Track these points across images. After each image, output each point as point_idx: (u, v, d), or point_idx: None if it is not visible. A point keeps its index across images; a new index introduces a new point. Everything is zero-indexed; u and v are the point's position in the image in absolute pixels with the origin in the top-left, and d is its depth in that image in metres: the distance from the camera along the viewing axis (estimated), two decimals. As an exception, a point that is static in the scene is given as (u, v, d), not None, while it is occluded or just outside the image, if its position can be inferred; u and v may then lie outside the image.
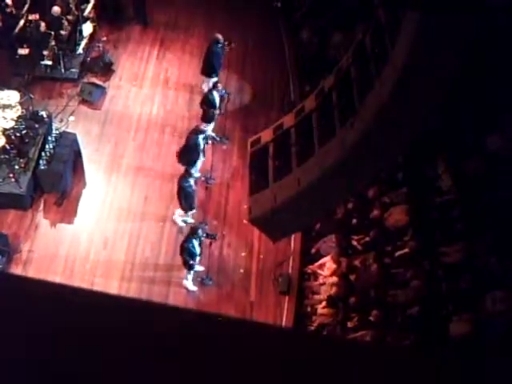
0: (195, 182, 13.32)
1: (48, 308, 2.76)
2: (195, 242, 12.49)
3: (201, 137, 13.91)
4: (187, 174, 13.21)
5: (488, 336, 9.48)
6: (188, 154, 14.10)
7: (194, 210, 13.57)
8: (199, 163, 14.32)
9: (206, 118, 15.01)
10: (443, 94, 10.55)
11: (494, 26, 9.82)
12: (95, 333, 2.69)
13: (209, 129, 14.59)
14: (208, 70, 15.78)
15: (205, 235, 12.79)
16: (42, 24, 16.21)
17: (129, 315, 2.80)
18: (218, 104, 14.96)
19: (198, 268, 13.00)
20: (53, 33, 16.22)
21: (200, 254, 12.68)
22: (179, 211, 13.84)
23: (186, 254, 12.49)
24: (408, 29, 9.97)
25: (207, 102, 14.92)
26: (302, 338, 2.87)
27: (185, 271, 13.01)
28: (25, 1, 16.40)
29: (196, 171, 13.85)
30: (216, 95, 14.89)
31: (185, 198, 13.28)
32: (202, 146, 13.99)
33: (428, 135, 11.36)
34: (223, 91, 15.99)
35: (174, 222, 13.98)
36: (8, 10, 16.28)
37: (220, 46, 15.53)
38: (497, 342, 9.33)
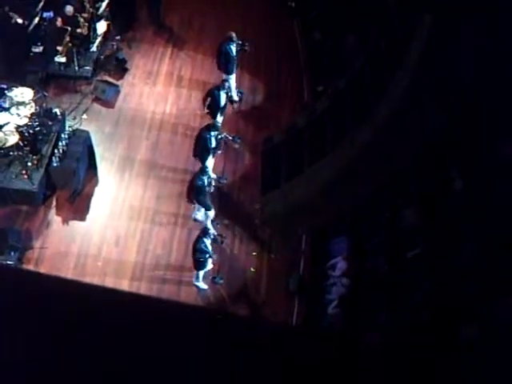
0: (209, 182, 13.25)
1: (59, 303, 2.79)
2: (207, 241, 12.51)
3: (211, 133, 13.84)
4: (200, 171, 13.21)
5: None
6: (198, 149, 14.11)
7: (212, 211, 13.57)
8: (211, 161, 14.30)
9: (210, 112, 15.06)
10: (456, 96, 10.54)
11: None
12: (105, 328, 2.72)
13: (218, 122, 14.50)
14: (221, 66, 15.81)
15: (215, 235, 12.84)
16: (59, 19, 16.26)
17: (136, 312, 2.82)
18: (221, 101, 14.91)
19: (209, 266, 12.99)
20: (69, 28, 16.25)
21: (212, 253, 12.68)
22: (198, 209, 13.82)
23: (198, 252, 12.51)
24: (422, 31, 9.97)
25: (211, 96, 14.88)
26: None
27: (195, 271, 13.02)
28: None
29: (209, 169, 13.78)
30: (222, 92, 14.83)
31: (196, 194, 13.24)
32: (212, 144, 13.92)
33: (441, 137, 11.33)
34: (237, 90, 16.03)
35: (195, 220, 13.97)
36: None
37: (233, 44, 15.49)
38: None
